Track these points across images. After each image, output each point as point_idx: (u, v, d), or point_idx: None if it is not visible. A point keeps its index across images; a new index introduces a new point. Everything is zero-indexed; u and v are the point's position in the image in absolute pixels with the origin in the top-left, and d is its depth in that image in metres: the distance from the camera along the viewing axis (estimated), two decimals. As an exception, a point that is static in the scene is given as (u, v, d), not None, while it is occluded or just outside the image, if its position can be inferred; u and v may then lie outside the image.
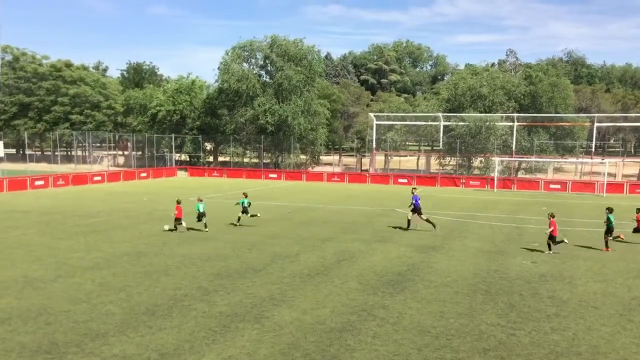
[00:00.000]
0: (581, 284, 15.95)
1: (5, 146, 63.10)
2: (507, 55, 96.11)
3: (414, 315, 12.93)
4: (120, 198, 36.49)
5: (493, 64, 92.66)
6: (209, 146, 74.06)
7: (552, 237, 20.18)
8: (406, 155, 71.56)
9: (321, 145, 69.23)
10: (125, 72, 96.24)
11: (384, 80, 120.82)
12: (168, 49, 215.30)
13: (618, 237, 21.26)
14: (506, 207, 35.55)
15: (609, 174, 52.17)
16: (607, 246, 21.00)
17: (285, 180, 55.29)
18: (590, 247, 21.37)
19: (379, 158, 66.44)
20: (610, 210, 21.06)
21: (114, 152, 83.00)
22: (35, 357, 10.20)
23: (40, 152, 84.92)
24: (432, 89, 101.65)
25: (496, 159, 53.26)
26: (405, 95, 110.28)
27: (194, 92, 70.53)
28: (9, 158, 72.64)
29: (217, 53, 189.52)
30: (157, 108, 68.77)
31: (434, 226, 24.67)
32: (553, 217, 20.30)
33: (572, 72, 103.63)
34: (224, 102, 66.29)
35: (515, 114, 58.19)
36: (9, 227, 24.35)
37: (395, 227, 25.58)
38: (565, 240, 20.84)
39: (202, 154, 70.32)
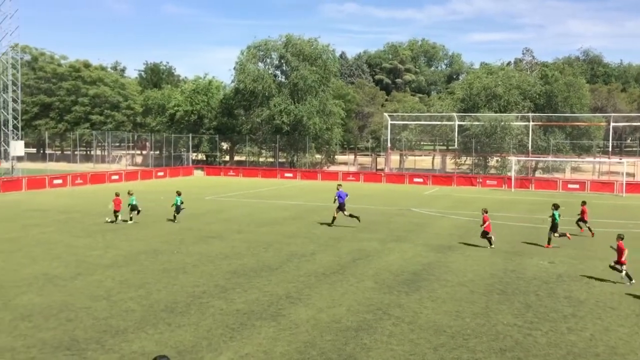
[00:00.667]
0: (598, 285, 15.85)
1: (26, 146, 64.02)
2: (523, 53, 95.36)
3: (430, 314, 12.96)
4: (137, 197, 36.77)
5: (509, 63, 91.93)
6: (225, 146, 74.50)
7: (485, 233, 20.79)
8: (421, 155, 71.31)
9: (336, 144, 69.29)
10: (143, 73, 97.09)
11: (398, 80, 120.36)
12: (184, 48, 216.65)
13: (565, 235, 21.18)
14: (524, 206, 35.33)
15: (628, 174, 51.59)
16: (549, 242, 21.11)
17: (300, 180, 55.43)
18: (607, 247, 21.19)
19: (394, 157, 66.29)
20: (555, 206, 21.28)
21: (132, 152, 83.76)
22: (56, 354, 10.38)
23: (60, 152, 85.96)
24: (447, 88, 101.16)
25: (512, 159, 52.92)
26: (420, 95, 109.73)
27: (210, 92, 71.00)
28: (29, 157, 73.59)
29: (232, 53, 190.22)
30: (175, 108, 69.36)
31: (358, 219, 25.17)
32: (486, 212, 21.03)
33: (588, 71, 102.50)
34: (240, 102, 66.63)
35: (531, 114, 57.77)
36: (28, 225, 24.73)
37: (323, 225, 25.56)
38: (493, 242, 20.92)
39: (218, 154, 70.74)
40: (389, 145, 62.10)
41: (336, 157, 73.64)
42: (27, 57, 79.54)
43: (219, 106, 69.75)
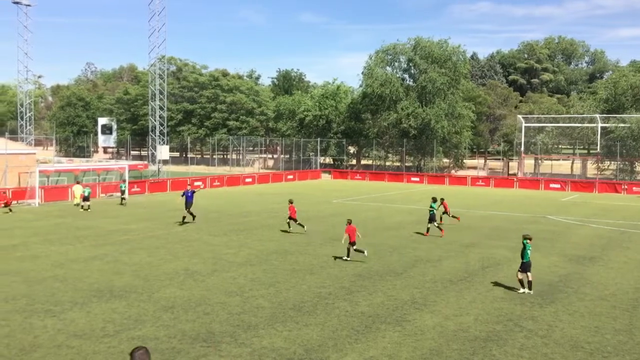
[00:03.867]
0: None
1: (170, 150, 69.27)
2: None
3: (566, 328, 12.19)
4: (269, 199, 38.40)
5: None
6: (352, 149, 75.37)
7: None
8: (559, 159, 67.12)
9: (465, 148, 67.31)
10: (275, 80, 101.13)
11: (534, 80, 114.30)
12: (314, 55, 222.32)
13: (439, 227, 24.18)
14: (676, 216, 31.97)
15: None
16: (427, 231, 24.11)
17: (427, 184, 54.57)
18: None
19: (528, 162, 63.12)
20: (434, 199, 24.97)
21: (265, 156, 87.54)
22: (194, 344, 11.12)
23: (200, 155, 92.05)
24: (588, 88, 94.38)
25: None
26: (559, 95, 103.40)
27: (339, 97, 72.23)
28: (173, 161, 79.69)
29: (360, 58, 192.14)
30: (305, 113, 71.47)
31: (193, 217, 26.50)
32: (291, 202, 24.14)
33: None
34: (367, 106, 67.04)
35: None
36: (171, 224, 26.74)
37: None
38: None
39: (345, 157, 71.71)
40: (522, 148, 59.25)
41: (465, 161, 71.57)
42: (173, 68, 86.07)
43: (346, 110, 70.75)
